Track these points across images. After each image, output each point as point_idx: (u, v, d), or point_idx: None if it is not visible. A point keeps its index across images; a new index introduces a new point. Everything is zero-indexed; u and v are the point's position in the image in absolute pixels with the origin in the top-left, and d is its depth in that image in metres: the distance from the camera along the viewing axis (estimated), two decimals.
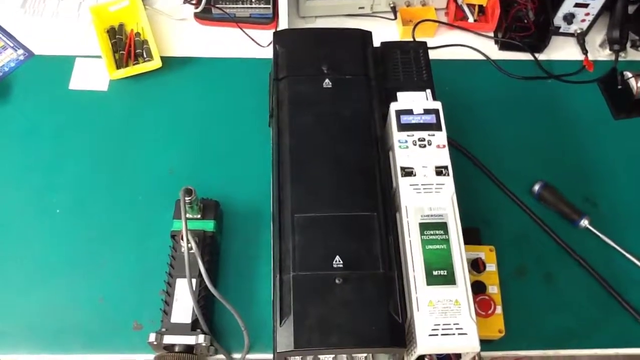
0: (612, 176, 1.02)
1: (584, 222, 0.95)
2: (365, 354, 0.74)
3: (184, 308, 0.83)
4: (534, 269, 0.93)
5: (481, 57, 1.14)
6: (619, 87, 1.08)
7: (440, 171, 0.77)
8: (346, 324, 0.67)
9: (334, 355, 0.73)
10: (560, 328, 0.89)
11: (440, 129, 0.80)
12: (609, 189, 1.01)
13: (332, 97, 0.82)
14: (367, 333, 0.66)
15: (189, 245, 0.80)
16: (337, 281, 0.68)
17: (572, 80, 1.10)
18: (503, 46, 1.15)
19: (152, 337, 0.79)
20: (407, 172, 0.77)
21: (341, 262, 0.70)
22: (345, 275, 0.69)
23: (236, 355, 0.85)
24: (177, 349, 0.80)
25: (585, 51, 1.13)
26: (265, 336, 0.84)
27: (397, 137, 0.79)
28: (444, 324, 0.68)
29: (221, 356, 0.84)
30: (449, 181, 0.77)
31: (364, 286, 0.69)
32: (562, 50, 1.16)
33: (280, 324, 0.67)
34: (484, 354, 0.80)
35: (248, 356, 0.85)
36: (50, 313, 0.87)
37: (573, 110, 1.09)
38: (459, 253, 0.72)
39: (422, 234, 0.73)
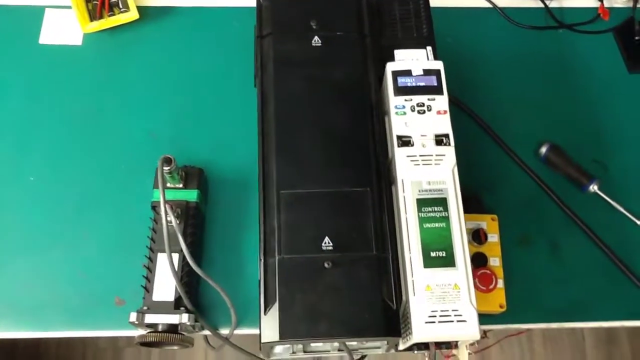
0: (624, 136, 0.95)
1: (593, 187, 0.89)
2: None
3: (166, 284, 0.78)
4: (538, 238, 0.88)
5: (487, 5, 1.04)
6: (636, 37, 1.00)
7: (440, 140, 0.70)
8: (336, 312, 0.62)
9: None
10: (565, 300, 0.85)
11: (441, 92, 0.73)
12: (620, 151, 0.94)
13: (322, 58, 0.74)
14: (358, 322, 0.61)
15: (168, 219, 0.74)
16: (326, 265, 0.63)
17: (585, 30, 1.02)
18: None
19: (132, 316, 0.75)
20: (404, 142, 0.70)
21: (331, 243, 0.64)
22: (336, 259, 0.64)
23: (224, 331, 0.81)
24: (160, 327, 0.76)
25: None
26: (255, 311, 0.80)
27: (394, 102, 0.72)
28: (441, 310, 0.63)
29: (208, 332, 0.80)
30: (449, 152, 0.70)
31: (356, 270, 0.63)
32: None
33: (265, 312, 0.63)
34: (483, 327, 0.76)
35: (237, 331, 0.81)
36: (27, 288, 0.82)
37: (585, 63, 1.01)
38: (459, 232, 0.66)
39: (419, 210, 0.67)
